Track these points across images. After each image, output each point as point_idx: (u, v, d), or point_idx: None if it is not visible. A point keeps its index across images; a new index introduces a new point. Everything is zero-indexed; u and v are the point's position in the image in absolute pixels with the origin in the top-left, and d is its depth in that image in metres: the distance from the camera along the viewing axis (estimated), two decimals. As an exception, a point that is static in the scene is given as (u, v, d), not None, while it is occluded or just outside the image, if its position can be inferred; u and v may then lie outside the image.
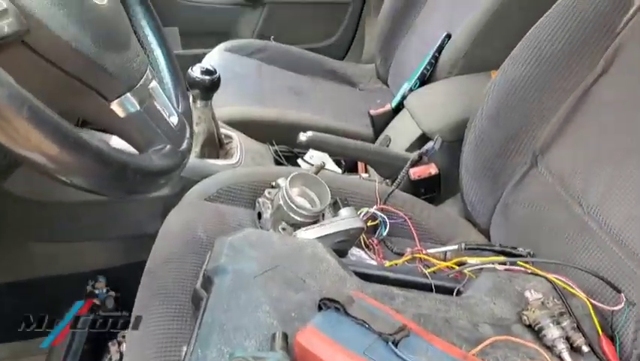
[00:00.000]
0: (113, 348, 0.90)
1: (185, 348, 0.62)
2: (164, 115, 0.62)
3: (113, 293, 0.64)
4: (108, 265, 1.09)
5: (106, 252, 1.09)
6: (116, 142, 0.62)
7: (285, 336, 0.56)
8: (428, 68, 1.40)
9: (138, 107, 0.57)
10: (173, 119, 0.63)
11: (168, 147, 0.59)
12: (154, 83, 0.62)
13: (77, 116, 0.62)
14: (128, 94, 0.56)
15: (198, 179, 0.99)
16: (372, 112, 1.42)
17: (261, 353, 0.54)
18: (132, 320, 0.73)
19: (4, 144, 0.40)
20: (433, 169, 1.17)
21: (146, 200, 1.04)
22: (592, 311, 0.70)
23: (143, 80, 0.59)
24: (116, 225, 1.06)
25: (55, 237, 1.03)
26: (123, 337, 0.88)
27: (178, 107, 0.68)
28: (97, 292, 0.75)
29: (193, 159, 1.07)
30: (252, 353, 0.54)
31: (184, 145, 0.63)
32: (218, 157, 1.15)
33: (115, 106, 0.56)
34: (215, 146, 1.15)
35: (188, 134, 0.65)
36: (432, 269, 0.84)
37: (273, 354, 0.53)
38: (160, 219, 0.90)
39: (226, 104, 1.35)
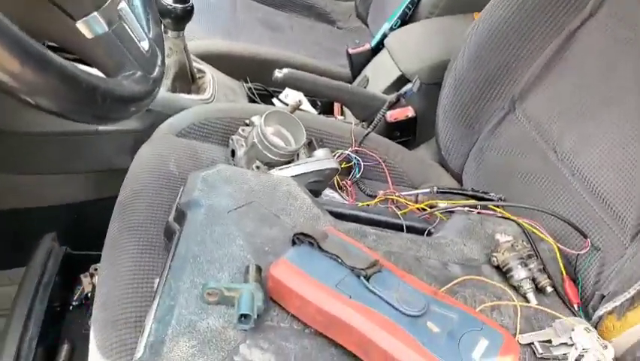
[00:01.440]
0: (85, 280, 0.89)
1: (157, 280, 0.62)
2: (134, 39, 0.58)
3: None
4: (78, 199, 1.07)
5: (75, 186, 1.06)
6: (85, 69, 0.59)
7: (259, 268, 0.56)
8: (410, 7, 1.36)
9: (106, 29, 0.54)
10: (144, 44, 0.60)
11: (139, 73, 0.56)
12: (123, 4, 0.58)
13: (43, 39, 0.58)
14: (95, 13, 0.53)
15: (170, 113, 0.96)
16: (351, 51, 1.39)
17: (235, 284, 0.54)
18: (104, 253, 0.72)
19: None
20: (410, 112, 1.16)
21: (116, 134, 1.01)
22: (558, 255, 0.72)
23: (111, -1, 0.55)
24: (84, 159, 1.03)
25: (21, 169, 0.99)
26: (95, 269, 0.87)
27: (149, 32, 0.64)
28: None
29: (164, 93, 1.04)
30: (225, 284, 0.54)
31: (156, 72, 0.60)
32: (190, 92, 1.11)
33: (81, 25, 0.52)
34: (187, 80, 1.11)
35: (160, 62, 0.62)
36: (404, 211, 0.85)
37: (247, 286, 0.53)
38: (130, 155, 0.88)
39: (198, 37, 1.29)
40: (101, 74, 0.57)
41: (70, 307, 0.86)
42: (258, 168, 0.84)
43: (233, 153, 0.88)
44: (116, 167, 1.00)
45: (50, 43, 0.62)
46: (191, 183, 0.68)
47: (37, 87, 0.41)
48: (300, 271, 0.54)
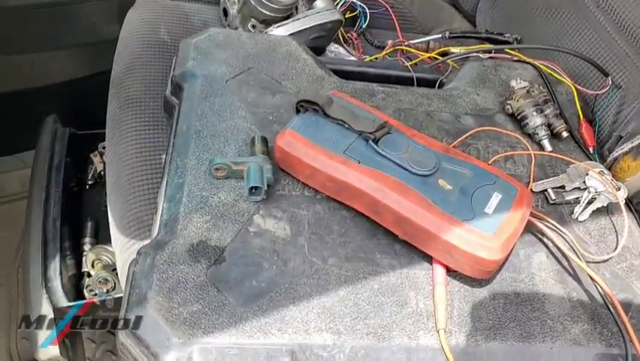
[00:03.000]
0: (95, 159, 0.90)
1: (164, 156, 0.61)
2: None
3: (112, 295, 0.63)
4: (74, 75, 1.04)
5: (69, 62, 1.03)
6: None
7: (265, 140, 0.54)
8: None
9: None
10: None
11: None
12: None
13: None
14: None
15: (153, -27, 0.88)
16: None
17: (242, 157, 0.53)
18: (107, 132, 0.71)
19: None
20: (417, -53, 1.04)
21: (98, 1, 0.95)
22: (576, 97, 0.69)
23: None
24: (73, 31, 0.98)
25: (15, 48, 0.95)
26: (104, 148, 0.87)
27: None
28: (97, 292, 0.74)
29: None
30: (232, 158, 0.53)
31: None
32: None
33: None
34: None
35: None
36: (414, 61, 0.80)
37: (254, 158, 0.52)
38: (118, 23, 0.84)
39: None
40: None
41: (87, 187, 0.88)
42: (253, 27, 0.78)
43: (225, 12, 0.82)
44: (106, 38, 0.95)
45: None
46: (183, 52, 0.64)
47: None
48: (307, 140, 0.52)
